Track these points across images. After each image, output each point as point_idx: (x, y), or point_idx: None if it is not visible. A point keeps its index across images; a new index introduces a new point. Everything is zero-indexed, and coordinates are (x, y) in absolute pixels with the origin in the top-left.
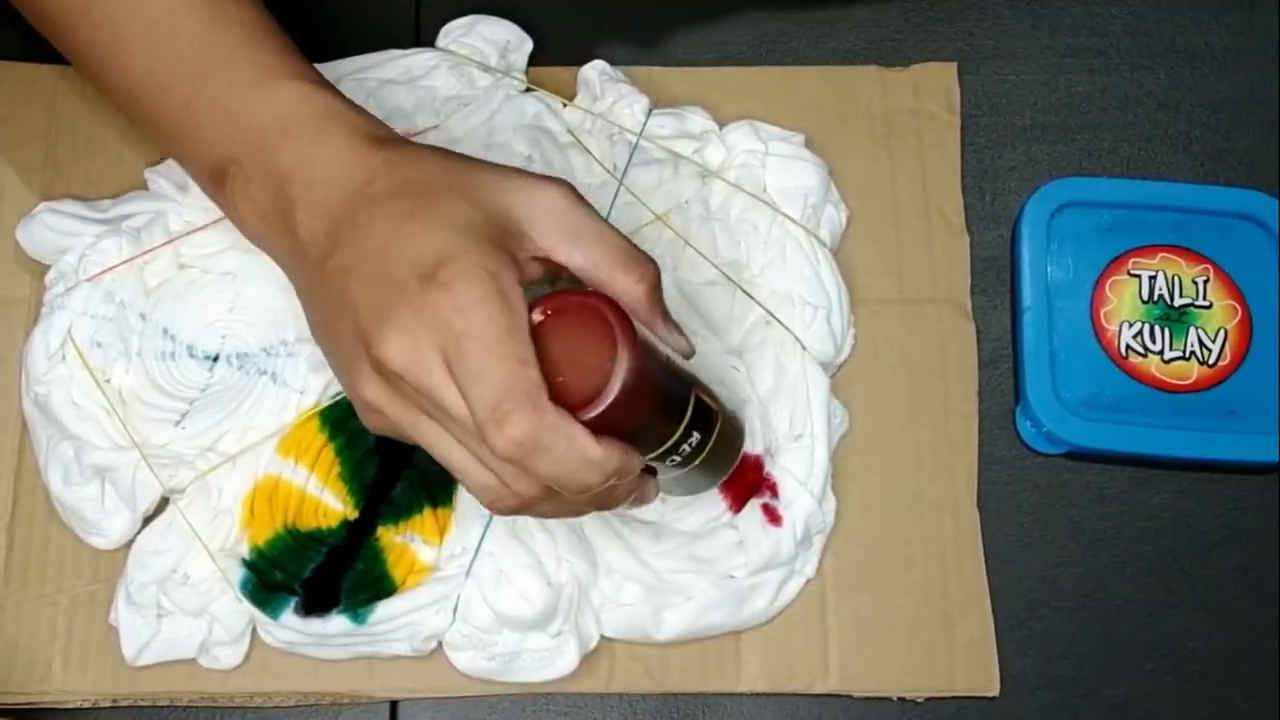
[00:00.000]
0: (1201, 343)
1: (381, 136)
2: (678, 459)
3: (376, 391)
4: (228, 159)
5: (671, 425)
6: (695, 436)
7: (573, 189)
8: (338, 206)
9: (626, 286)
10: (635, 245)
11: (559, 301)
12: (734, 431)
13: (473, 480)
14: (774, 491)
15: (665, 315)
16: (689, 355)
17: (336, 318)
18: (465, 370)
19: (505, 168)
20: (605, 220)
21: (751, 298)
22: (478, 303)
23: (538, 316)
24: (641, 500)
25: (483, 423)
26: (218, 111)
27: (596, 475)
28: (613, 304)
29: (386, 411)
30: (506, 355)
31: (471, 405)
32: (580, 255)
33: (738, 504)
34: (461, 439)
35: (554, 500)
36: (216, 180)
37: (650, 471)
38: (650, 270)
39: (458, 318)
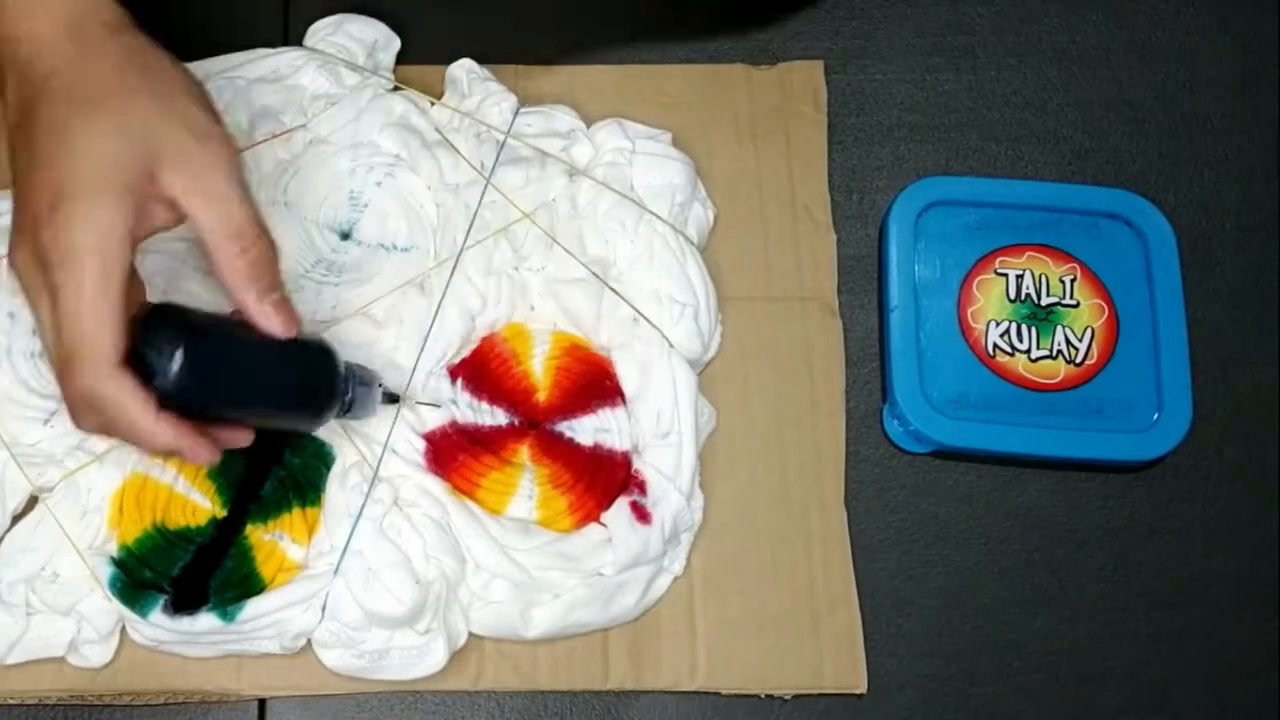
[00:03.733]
0: (1069, 341)
1: (84, 23)
2: (260, 409)
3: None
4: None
5: (261, 401)
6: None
7: (234, 159)
8: (26, 93)
9: (229, 254)
10: (258, 221)
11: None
12: (321, 378)
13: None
14: (642, 489)
15: (262, 294)
16: (284, 335)
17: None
18: (56, 311)
19: (186, 103)
20: (247, 195)
21: (619, 295)
22: (82, 253)
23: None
24: (194, 459)
25: (55, 363)
26: None
27: (149, 445)
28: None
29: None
30: (91, 311)
31: (52, 344)
32: (202, 212)
33: (604, 503)
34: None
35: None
36: None
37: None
38: (256, 246)
39: (59, 266)
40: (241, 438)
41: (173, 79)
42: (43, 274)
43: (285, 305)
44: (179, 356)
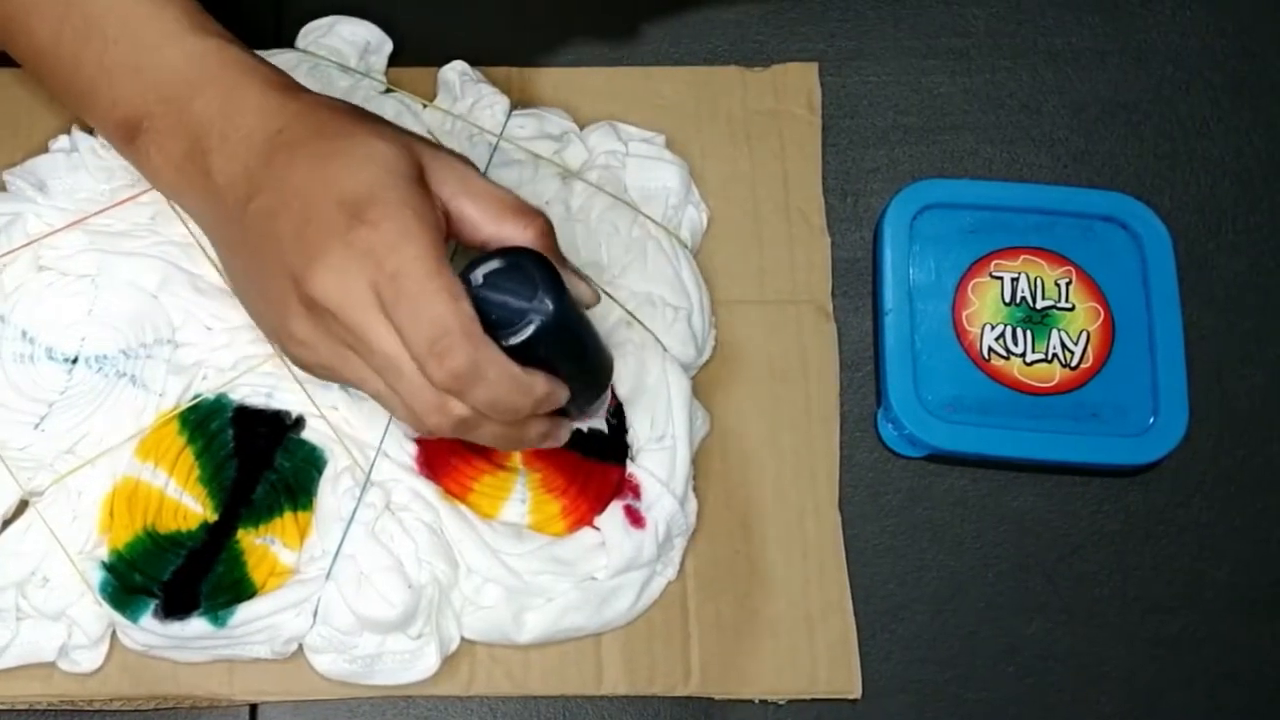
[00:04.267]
0: (1064, 345)
1: (292, 86)
2: (585, 402)
3: (306, 329)
4: (140, 114)
5: (585, 370)
6: (592, 384)
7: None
8: (255, 154)
9: (515, 233)
10: (523, 199)
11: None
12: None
13: (397, 410)
14: (636, 493)
15: (561, 261)
16: (590, 304)
17: (260, 259)
18: (401, 306)
19: (404, 134)
20: (495, 182)
21: (613, 299)
22: (406, 239)
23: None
24: (554, 439)
25: (422, 356)
26: (128, 69)
27: (526, 399)
28: (532, 252)
29: (315, 347)
30: (440, 290)
31: (409, 340)
32: (472, 205)
33: (598, 507)
34: (383, 373)
35: (485, 425)
36: (129, 135)
37: (563, 413)
38: (538, 219)
39: (390, 255)
40: (565, 431)
41: (373, 113)
42: (371, 275)
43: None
44: (548, 300)
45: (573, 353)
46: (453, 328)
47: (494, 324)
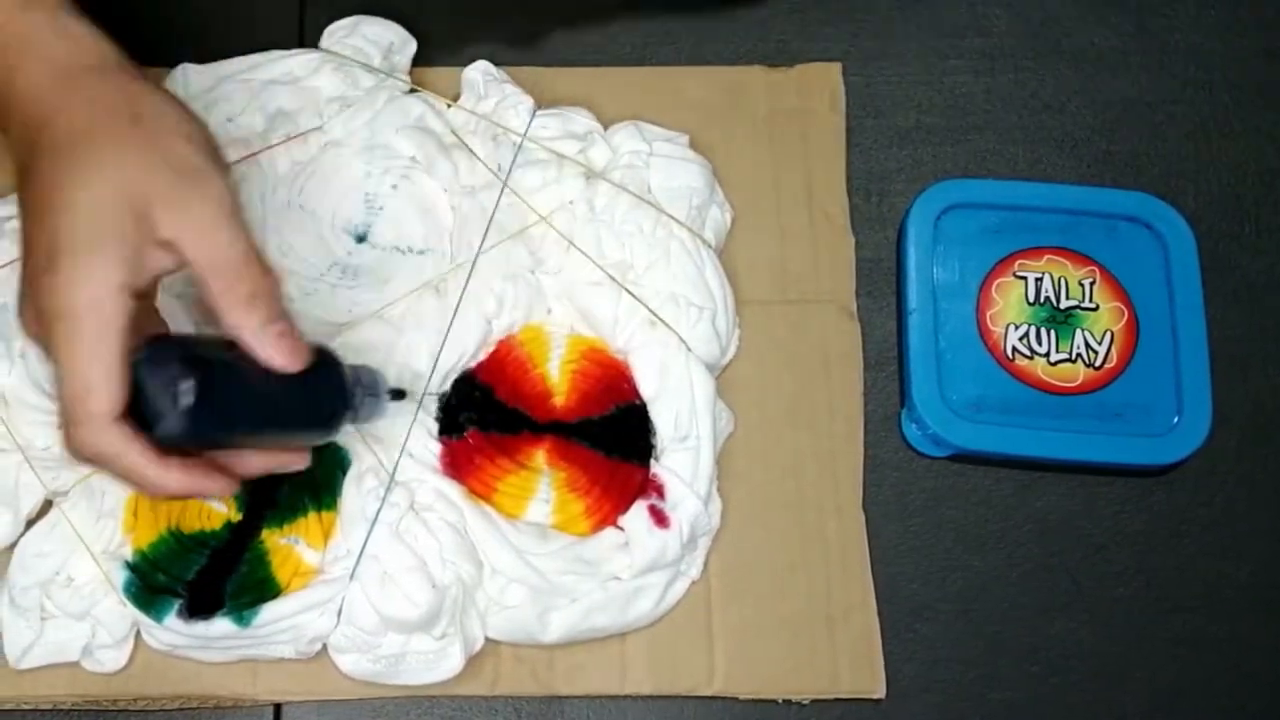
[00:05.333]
0: (1088, 345)
1: (72, 69)
2: (271, 433)
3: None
4: None
5: (269, 426)
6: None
7: (226, 194)
8: (23, 149)
9: (222, 288)
10: (253, 254)
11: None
12: (331, 394)
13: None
14: (660, 493)
15: (261, 326)
16: (290, 369)
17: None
18: (56, 363)
19: (174, 143)
20: (241, 229)
21: (636, 299)
22: (76, 310)
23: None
24: (225, 490)
25: (61, 414)
26: None
27: (159, 493)
28: (185, 346)
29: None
30: (86, 368)
31: (57, 393)
32: (193, 248)
33: (622, 506)
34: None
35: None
36: None
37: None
38: (250, 278)
39: (56, 322)
40: (255, 464)
41: (163, 119)
42: (43, 331)
43: (288, 336)
44: (181, 400)
45: (241, 426)
46: (78, 411)
47: (146, 411)
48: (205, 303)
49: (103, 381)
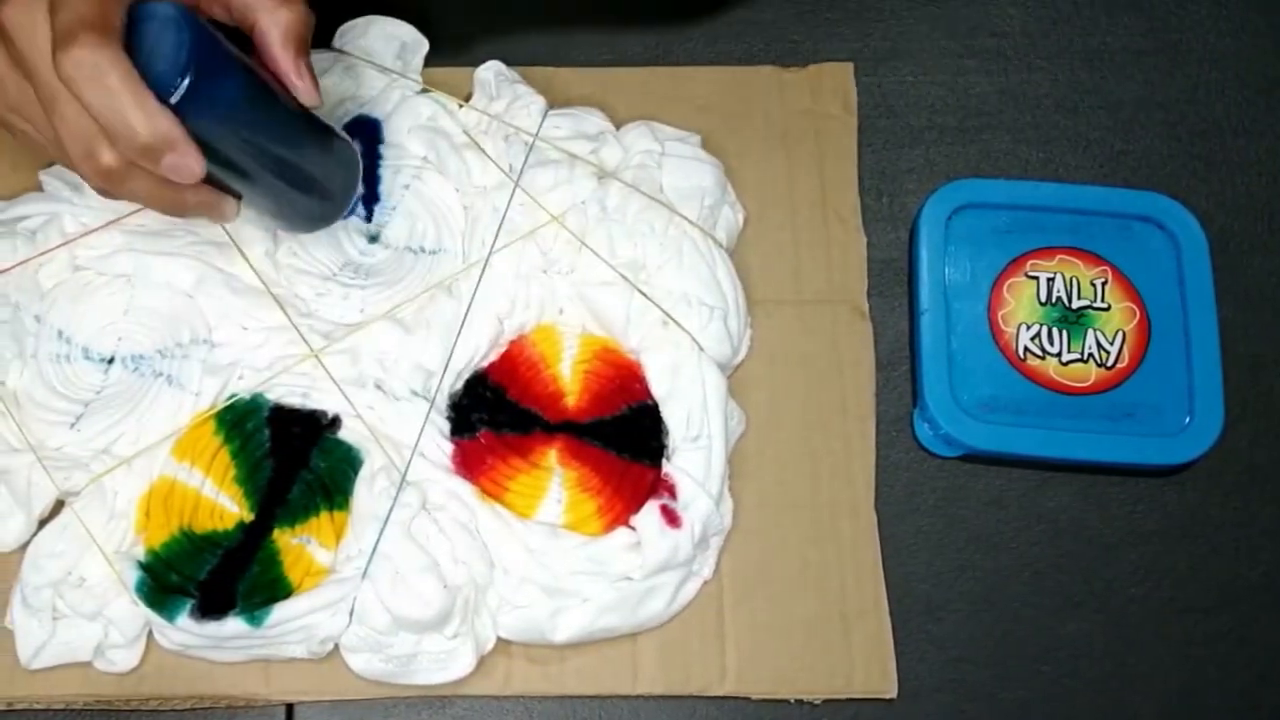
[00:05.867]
0: (1100, 345)
1: None
2: (270, 175)
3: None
4: None
5: (261, 144)
6: (289, 161)
7: None
8: None
9: (271, 11)
10: None
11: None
12: (339, 167)
13: (57, 151)
14: (672, 493)
15: (299, 57)
16: (312, 105)
17: None
18: (56, 5)
19: None
20: None
21: (648, 299)
22: None
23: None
24: (219, 214)
25: (55, 40)
26: None
27: (143, 125)
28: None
29: (3, 79)
30: (91, 34)
31: (51, 23)
32: None
33: (633, 506)
34: (46, 106)
35: (135, 179)
36: None
37: (235, 193)
38: (300, 5)
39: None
40: (229, 208)
41: None
42: (43, 14)
43: (314, 74)
44: (187, 50)
45: (245, 139)
46: (86, 22)
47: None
48: (247, 22)
49: (114, 10)
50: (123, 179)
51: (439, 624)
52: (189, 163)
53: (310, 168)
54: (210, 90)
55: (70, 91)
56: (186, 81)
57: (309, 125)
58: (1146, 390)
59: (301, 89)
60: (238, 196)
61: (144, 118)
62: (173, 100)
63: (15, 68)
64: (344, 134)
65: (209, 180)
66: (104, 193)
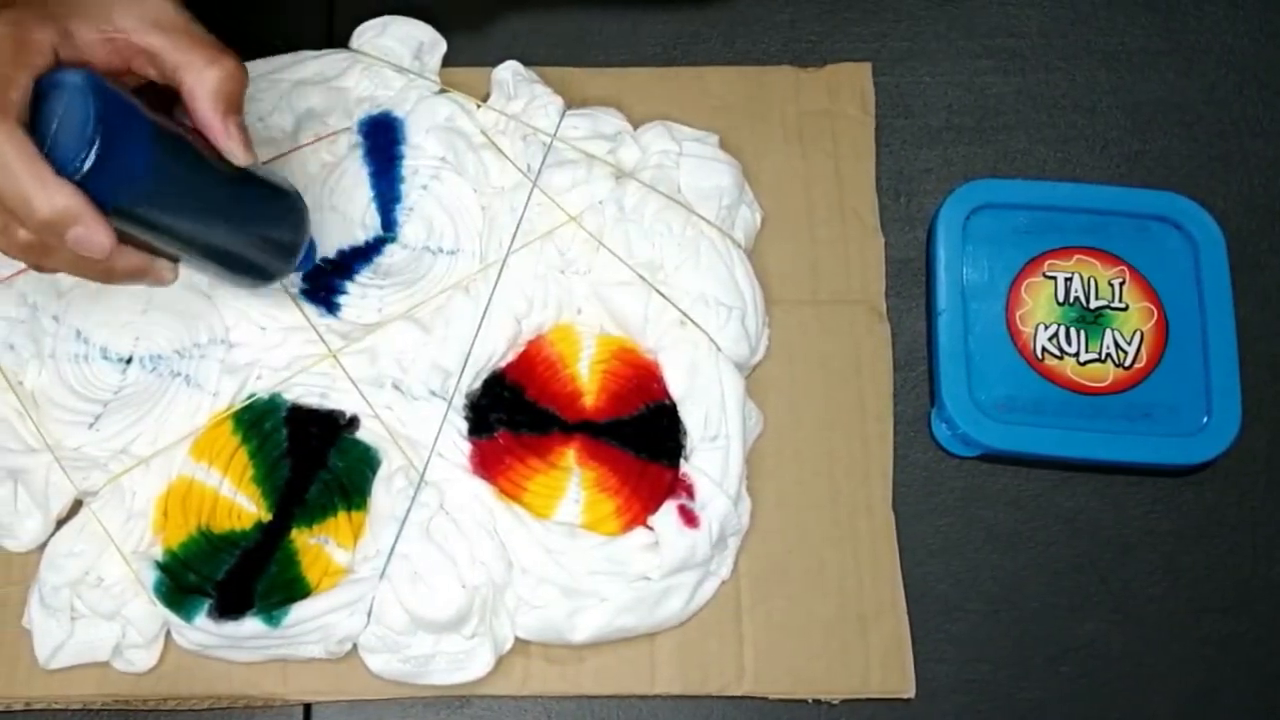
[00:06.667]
0: (1117, 345)
1: None
2: (205, 238)
3: None
4: None
5: (189, 207)
6: (229, 232)
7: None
8: None
9: (199, 71)
10: (218, 42)
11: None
12: (281, 222)
13: None
14: (689, 493)
15: (228, 117)
16: (243, 164)
17: None
18: None
19: None
20: (196, 20)
21: (666, 299)
22: None
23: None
24: (154, 278)
25: None
26: None
27: (42, 202)
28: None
29: None
30: None
31: None
32: (159, 38)
33: (651, 506)
34: None
35: (55, 254)
36: None
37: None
38: (229, 63)
39: None
40: (132, 261)
41: None
42: None
43: (247, 133)
44: (93, 121)
45: (170, 206)
46: None
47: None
48: (179, 89)
49: (15, 84)
50: (43, 254)
51: (457, 624)
52: (95, 237)
53: (251, 225)
54: (122, 160)
55: (9, 221)
56: (93, 152)
57: (245, 183)
58: (1164, 390)
59: (231, 150)
60: (175, 259)
61: (43, 194)
62: (79, 174)
63: None
64: (288, 185)
65: (141, 245)
66: (35, 268)
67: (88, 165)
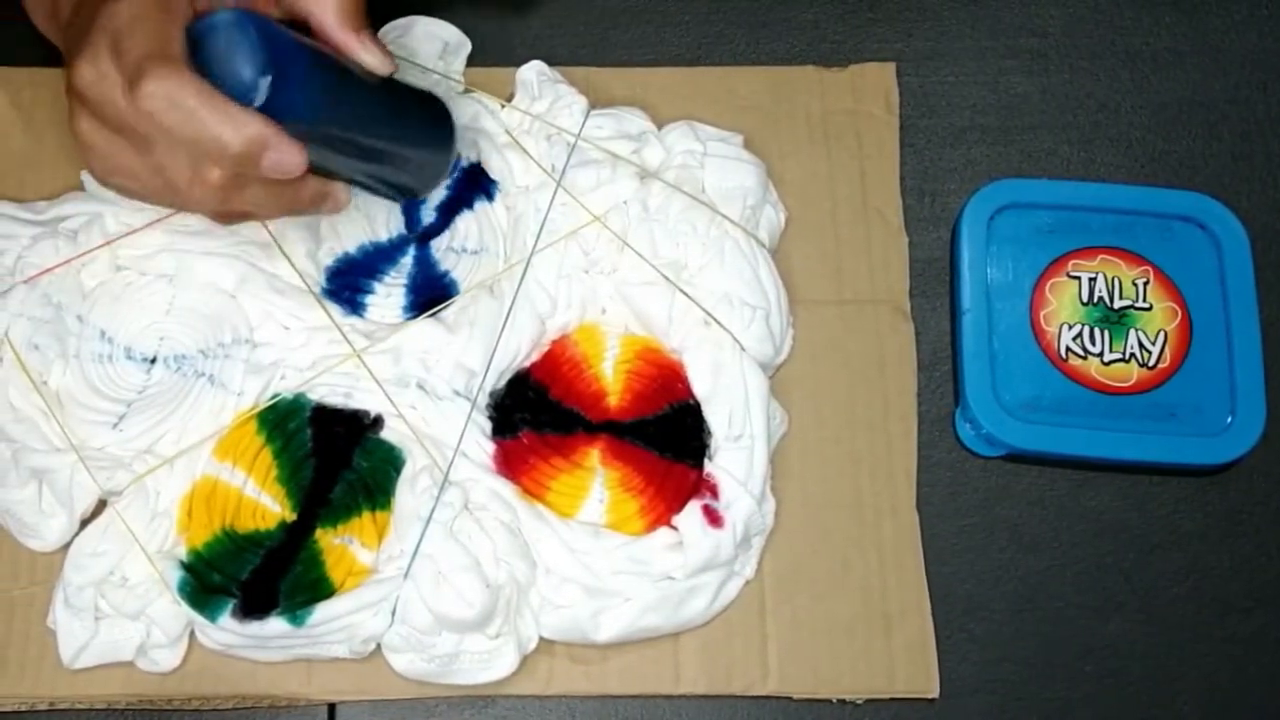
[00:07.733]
0: (1141, 345)
1: None
2: (374, 149)
3: (83, 125)
4: None
5: (355, 120)
6: (385, 144)
7: None
8: None
9: None
10: None
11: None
12: (436, 124)
13: (164, 194)
14: (714, 492)
15: (359, 30)
16: (385, 73)
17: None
18: (119, 47)
19: None
20: None
21: (690, 298)
22: (140, 20)
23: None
24: (334, 203)
25: (126, 83)
26: None
27: (233, 134)
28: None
29: (91, 141)
30: (152, 28)
31: (120, 71)
32: None
33: (676, 506)
34: (141, 151)
35: (247, 189)
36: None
37: (345, 178)
38: None
39: (119, 16)
40: (342, 195)
41: None
42: (111, 62)
43: (382, 43)
44: (259, 50)
45: (338, 119)
46: (153, 53)
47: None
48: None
49: (175, 35)
50: (236, 192)
51: (481, 624)
52: (289, 156)
53: (410, 131)
54: (291, 82)
55: (156, 127)
56: (268, 80)
57: (395, 92)
58: (1188, 390)
59: (371, 61)
60: (347, 182)
61: (231, 127)
62: (258, 102)
63: (102, 127)
64: (430, 90)
65: (315, 171)
66: (223, 217)
67: (265, 89)
